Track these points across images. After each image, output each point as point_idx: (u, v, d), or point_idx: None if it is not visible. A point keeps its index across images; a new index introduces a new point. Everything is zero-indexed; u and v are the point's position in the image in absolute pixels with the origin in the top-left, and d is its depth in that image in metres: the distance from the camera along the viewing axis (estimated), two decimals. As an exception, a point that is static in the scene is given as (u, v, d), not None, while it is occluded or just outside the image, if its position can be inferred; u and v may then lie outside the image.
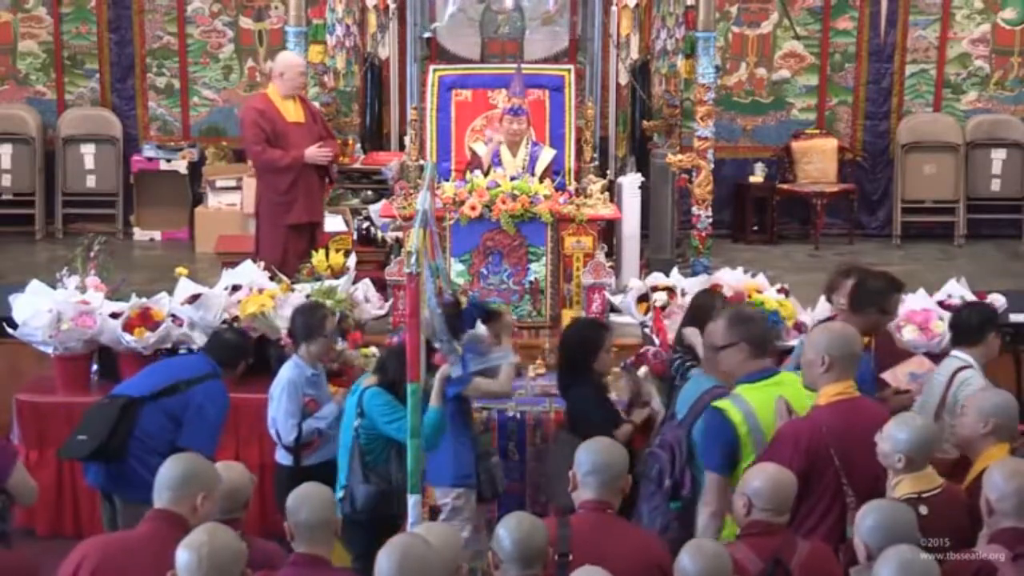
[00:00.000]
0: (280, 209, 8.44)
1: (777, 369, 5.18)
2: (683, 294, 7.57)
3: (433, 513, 6.02)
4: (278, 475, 6.47)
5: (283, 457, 6.46)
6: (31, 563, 4.72)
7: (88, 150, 11.77)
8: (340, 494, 5.77)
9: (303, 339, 6.45)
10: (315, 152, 8.44)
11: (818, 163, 11.71)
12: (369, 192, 10.28)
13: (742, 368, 5.14)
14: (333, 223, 9.08)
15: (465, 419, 6.20)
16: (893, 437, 4.61)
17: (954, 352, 6.03)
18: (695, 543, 4.13)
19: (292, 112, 8.52)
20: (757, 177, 11.70)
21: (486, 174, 7.93)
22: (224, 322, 7.29)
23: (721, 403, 5.02)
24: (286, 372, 6.44)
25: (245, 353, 6.59)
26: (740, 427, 4.95)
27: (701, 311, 6.17)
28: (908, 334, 7.21)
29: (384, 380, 5.82)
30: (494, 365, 6.00)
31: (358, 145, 10.76)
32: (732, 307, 5.62)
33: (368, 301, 7.78)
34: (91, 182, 11.81)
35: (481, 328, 5.87)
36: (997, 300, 7.58)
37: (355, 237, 9.15)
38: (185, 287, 7.51)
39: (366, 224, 9.28)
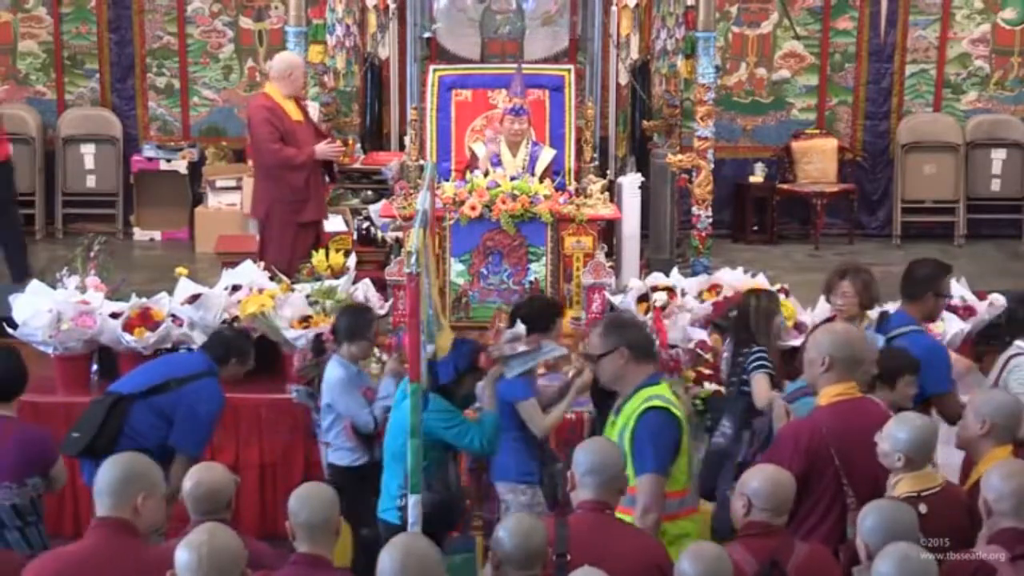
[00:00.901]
0: (293, 207, 8.43)
1: (662, 374, 5.14)
2: (683, 294, 7.58)
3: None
4: (336, 477, 6.33)
5: (340, 458, 6.36)
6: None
7: (88, 150, 11.78)
8: (400, 502, 5.60)
9: (346, 339, 6.40)
10: (326, 148, 8.48)
11: (818, 163, 11.71)
12: (369, 192, 10.28)
13: (625, 373, 5.04)
14: (333, 223, 9.09)
15: (521, 420, 6.13)
16: (893, 436, 4.61)
17: (1017, 343, 6.23)
18: (696, 546, 4.12)
19: (293, 111, 8.55)
20: (757, 177, 11.70)
21: (485, 175, 7.93)
22: (224, 322, 7.30)
23: (659, 403, 4.92)
24: (335, 373, 6.38)
25: (236, 350, 6.46)
26: (683, 424, 4.95)
27: (748, 314, 6.28)
28: (908, 334, 7.20)
29: (435, 385, 5.77)
30: (542, 359, 6.01)
31: (358, 145, 10.76)
32: (608, 315, 5.55)
33: (368, 301, 7.77)
34: (91, 182, 11.82)
35: (520, 327, 5.87)
36: (997, 300, 7.61)
37: (355, 237, 9.15)
38: (185, 287, 7.51)
39: (366, 224, 9.28)
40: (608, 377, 5.14)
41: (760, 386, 6.03)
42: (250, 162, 9.62)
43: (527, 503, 6.11)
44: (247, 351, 6.53)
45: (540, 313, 6.27)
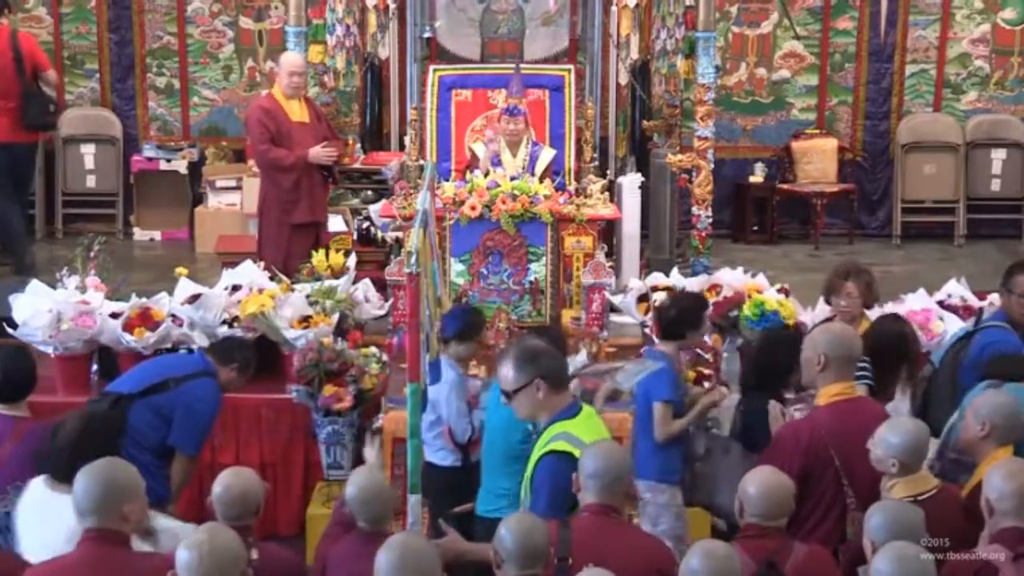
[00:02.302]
0: (283, 208, 8.52)
1: (581, 404, 4.93)
2: (683, 294, 7.58)
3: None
4: (435, 477, 6.14)
5: (442, 459, 6.20)
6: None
7: (88, 150, 11.78)
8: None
9: (454, 339, 6.23)
10: (319, 152, 8.50)
11: (818, 163, 11.72)
12: (369, 192, 10.29)
13: (546, 405, 4.79)
14: (333, 223, 9.11)
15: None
16: (885, 441, 4.61)
17: None
18: (704, 545, 4.09)
19: (297, 112, 8.58)
20: (757, 177, 11.70)
21: (485, 175, 7.93)
22: (224, 322, 7.30)
23: (561, 445, 4.66)
24: (446, 374, 6.04)
25: (240, 356, 6.43)
26: None
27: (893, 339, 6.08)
28: (908, 334, 7.19)
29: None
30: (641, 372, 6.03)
31: (358, 145, 10.77)
32: (516, 344, 5.20)
33: (368, 301, 7.78)
34: (91, 182, 11.82)
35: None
36: (997, 300, 7.58)
37: (355, 237, 9.16)
38: (185, 287, 7.51)
39: (366, 224, 9.29)
40: (526, 413, 4.88)
41: None
42: (251, 162, 9.63)
43: (664, 503, 5.98)
44: (250, 361, 6.50)
45: (690, 310, 6.21)
